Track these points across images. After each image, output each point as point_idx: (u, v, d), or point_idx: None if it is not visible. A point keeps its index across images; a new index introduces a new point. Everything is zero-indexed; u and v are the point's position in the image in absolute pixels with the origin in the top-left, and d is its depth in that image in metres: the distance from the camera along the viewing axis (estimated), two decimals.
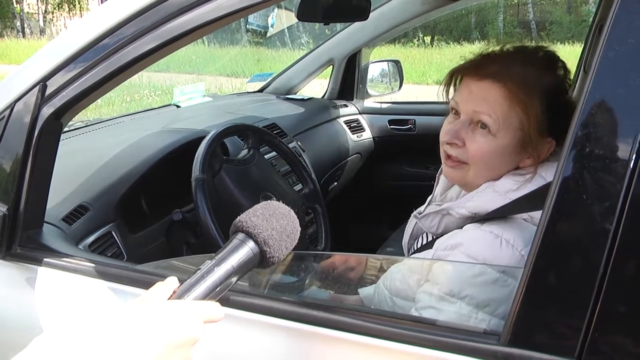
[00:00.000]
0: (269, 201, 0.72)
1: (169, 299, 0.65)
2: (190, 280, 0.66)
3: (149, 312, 0.62)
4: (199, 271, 0.66)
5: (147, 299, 0.65)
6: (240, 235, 0.68)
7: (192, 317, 0.63)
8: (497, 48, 1.02)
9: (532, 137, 0.96)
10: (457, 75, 1.05)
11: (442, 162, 1.04)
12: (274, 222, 0.69)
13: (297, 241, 0.72)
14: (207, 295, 0.65)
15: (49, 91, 1.00)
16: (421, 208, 1.15)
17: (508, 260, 0.89)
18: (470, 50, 1.06)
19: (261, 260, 0.69)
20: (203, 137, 1.50)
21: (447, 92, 1.07)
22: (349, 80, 2.68)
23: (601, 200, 0.65)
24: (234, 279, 0.67)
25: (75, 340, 0.57)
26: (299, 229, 0.72)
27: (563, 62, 1.02)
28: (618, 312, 0.65)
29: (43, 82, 1.00)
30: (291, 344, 0.84)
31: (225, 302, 0.88)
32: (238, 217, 0.69)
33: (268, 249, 0.68)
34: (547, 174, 0.96)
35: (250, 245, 0.68)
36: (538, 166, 0.98)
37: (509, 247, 0.90)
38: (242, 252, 0.67)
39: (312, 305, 0.83)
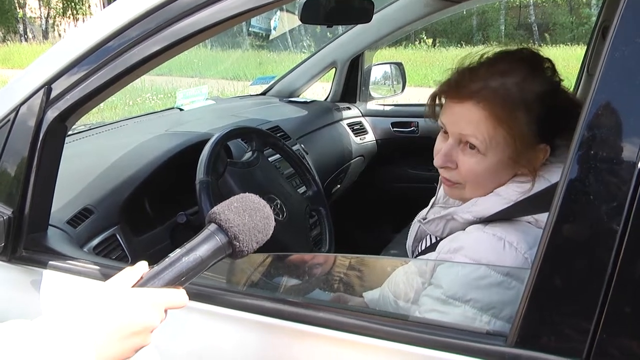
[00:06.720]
0: (246, 194, 0.73)
1: (134, 285, 0.66)
2: (158, 268, 0.67)
3: (106, 300, 0.63)
4: (167, 259, 0.68)
5: (111, 284, 0.66)
6: (212, 227, 0.70)
7: (150, 305, 0.64)
8: (475, 59, 0.99)
9: (521, 152, 0.94)
10: (439, 97, 1.03)
11: (442, 180, 1.04)
12: (247, 217, 0.70)
13: (269, 236, 0.73)
14: (173, 283, 0.67)
15: (53, 94, 1.00)
16: (423, 212, 1.14)
17: (511, 263, 0.88)
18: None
19: (231, 252, 0.70)
20: (207, 140, 1.50)
21: (433, 113, 1.04)
22: (352, 82, 2.68)
23: (608, 201, 0.64)
24: (201, 268, 0.68)
25: (28, 325, 0.59)
26: (273, 224, 0.74)
27: (549, 61, 0.98)
28: (626, 314, 0.65)
29: (48, 85, 1.00)
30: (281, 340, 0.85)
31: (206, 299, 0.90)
32: (214, 208, 0.71)
33: (237, 244, 0.69)
34: (551, 176, 0.94)
35: (220, 237, 0.69)
36: (539, 169, 0.96)
37: (512, 249, 0.89)
38: (211, 243, 0.69)
39: (298, 304, 0.85)
